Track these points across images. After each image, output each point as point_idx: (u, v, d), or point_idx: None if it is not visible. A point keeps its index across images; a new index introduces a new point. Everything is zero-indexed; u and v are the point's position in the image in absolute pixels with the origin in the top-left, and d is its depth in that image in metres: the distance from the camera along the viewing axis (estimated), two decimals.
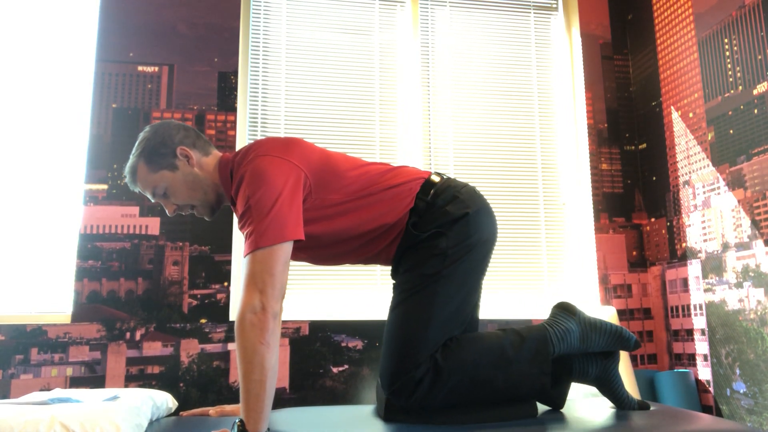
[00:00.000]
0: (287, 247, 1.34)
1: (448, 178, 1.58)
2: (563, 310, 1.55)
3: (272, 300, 1.30)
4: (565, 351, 1.49)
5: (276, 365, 1.29)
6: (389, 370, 1.41)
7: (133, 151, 1.53)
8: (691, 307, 2.62)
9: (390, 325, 1.46)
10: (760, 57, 2.30)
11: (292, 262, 2.63)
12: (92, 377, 2.37)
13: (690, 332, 2.63)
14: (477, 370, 1.40)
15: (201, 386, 2.42)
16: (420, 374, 1.38)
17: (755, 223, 2.29)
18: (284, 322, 2.54)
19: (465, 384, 1.40)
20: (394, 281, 1.57)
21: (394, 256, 1.53)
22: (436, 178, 1.56)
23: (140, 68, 2.65)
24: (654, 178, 2.90)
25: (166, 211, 1.54)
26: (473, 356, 1.41)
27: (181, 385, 2.41)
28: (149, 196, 1.54)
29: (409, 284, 1.45)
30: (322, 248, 1.52)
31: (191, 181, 1.50)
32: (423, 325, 1.41)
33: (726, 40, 2.46)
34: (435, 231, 1.47)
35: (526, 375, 1.43)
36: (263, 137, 2.73)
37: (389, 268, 2.64)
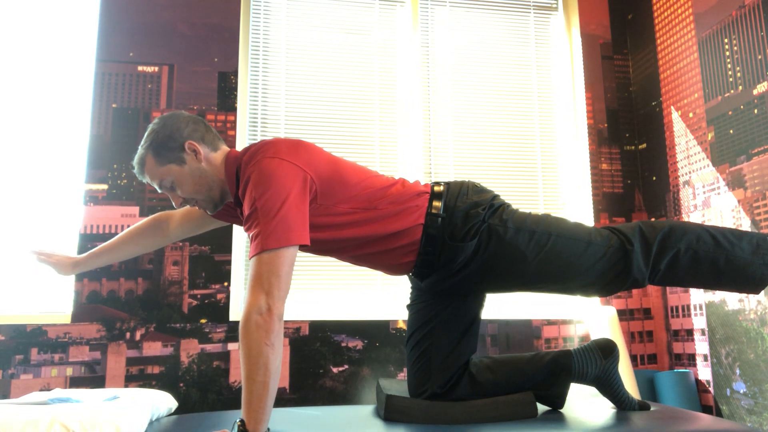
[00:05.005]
0: (293, 251, 1.35)
1: (447, 183, 1.57)
2: None
3: (278, 301, 1.30)
4: None
5: (279, 367, 1.29)
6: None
7: (142, 143, 1.52)
8: (691, 307, 2.62)
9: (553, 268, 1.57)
10: (760, 57, 2.30)
11: None
12: (92, 377, 2.37)
13: (690, 332, 2.63)
14: (699, 243, 1.51)
15: (201, 386, 2.42)
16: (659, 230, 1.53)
17: (755, 223, 2.29)
18: (284, 322, 2.54)
19: (689, 255, 1.51)
20: (439, 286, 1.56)
21: (419, 265, 1.51)
22: (439, 187, 1.55)
23: (140, 68, 2.65)
24: (654, 178, 2.90)
25: (173, 203, 1.54)
26: (697, 230, 1.53)
27: (181, 385, 2.41)
28: (156, 187, 1.55)
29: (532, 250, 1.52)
30: (333, 252, 1.53)
31: (198, 176, 1.50)
32: (582, 250, 1.55)
33: (726, 40, 2.46)
34: (488, 226, 1.48)
35: (749, 262, 1.51)
36: (263, 137, 2.74)
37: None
